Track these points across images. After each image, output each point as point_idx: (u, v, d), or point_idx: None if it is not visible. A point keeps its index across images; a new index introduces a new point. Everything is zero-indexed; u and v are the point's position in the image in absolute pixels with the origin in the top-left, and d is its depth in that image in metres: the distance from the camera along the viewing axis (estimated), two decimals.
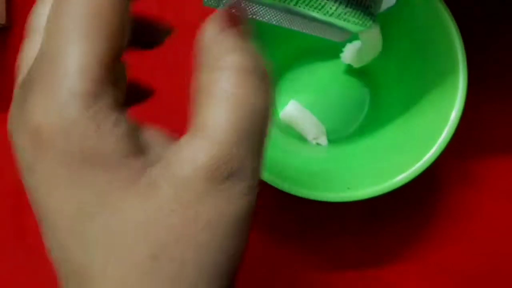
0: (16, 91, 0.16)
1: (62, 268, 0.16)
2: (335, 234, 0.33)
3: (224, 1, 0.17)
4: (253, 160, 0.15)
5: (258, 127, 0.15)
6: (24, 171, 0.16)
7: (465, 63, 0.26)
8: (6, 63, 0.34)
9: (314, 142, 0.32)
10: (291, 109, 0.32)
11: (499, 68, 0.33)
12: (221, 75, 0.15)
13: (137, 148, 0.15)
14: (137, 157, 0.15)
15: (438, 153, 0.26)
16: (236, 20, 0.16)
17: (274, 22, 0.19)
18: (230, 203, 0.15)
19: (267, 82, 0.15)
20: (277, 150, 0.30)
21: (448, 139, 0.26)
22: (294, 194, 0.25)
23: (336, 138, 0.32)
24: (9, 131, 0.16)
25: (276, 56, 0.32)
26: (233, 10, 0.16)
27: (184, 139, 0.15)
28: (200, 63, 0.16)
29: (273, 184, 0.25)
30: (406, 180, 0.25)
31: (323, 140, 0.32)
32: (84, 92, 0.14)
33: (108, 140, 0.14)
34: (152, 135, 0.16)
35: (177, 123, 0.36)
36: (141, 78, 0.31)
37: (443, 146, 0.26)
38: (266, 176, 0.25)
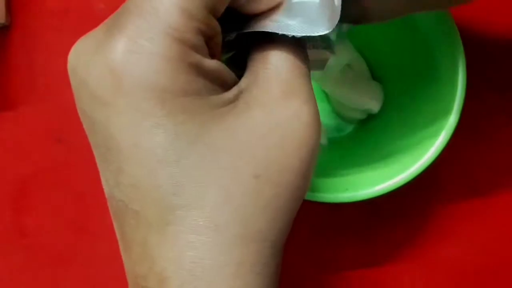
0: (107, 21, 0.16)
1: (139, 205, 0.16)
2: (335, 234, 0.33)
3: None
4: (312, 93, 0.18)
5: (309, 74, 0.18)
6: (95, 104, 0.15)
7: (464, 61, 0.26)
8: (6, 63, 0.34)
9: None
10: None
11: (499, 68, 0.33)
12: (280, 43, 0.17)
13: (228, 86, 0.17)
14: (227, 92, 0.16)
15: (437, 153, 0.26)
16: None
17: None
18: (309, 125, 0.17)
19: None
20: None
21: (447, 139, 0.26)
22: None
23: (335, 137, 0.32)
24: (75, 60, 0.16)
25: None
26: None
27: (255, 71, 0.17)
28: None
29: None
30: (406, 181, 0.25)
31: (323, 140, 0.32)
32: (182, 32, 0.15)
33: (205, 81, 0.16)
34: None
35: None
36: None
37: (442, 146, 0.26)
38: None
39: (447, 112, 0.26)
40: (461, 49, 0.26)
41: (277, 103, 0.16)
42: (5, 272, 0.32)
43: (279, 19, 0.17)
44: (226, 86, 0.17)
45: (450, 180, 0.33)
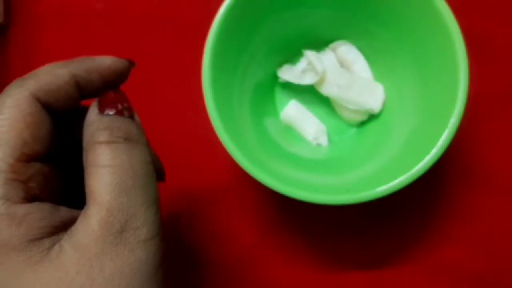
0: None
1: None
2: (335, 234, 0.33)
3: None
4: (145, 211, 0.17)
5: (140, 181, 0.18)
6: None
7: (466, 62, 0.26)
8: (4, 62, 0.34)
9: (314, 142, 0.32)
10: (291, 109, 0.32)
11: (501, 68, 0.33)
12: (97, 150, 0.18)
13: (51, 227, 0.17)
14: (50, 236, 0.17)
15: (439, 154, 0.25)
16: (113, 102, 0.19)
17: None
18: (131, 252, 0.17)
19: (139, 143, 0.18)
20: (277, 151, 0.30)
21: (449, 140, 0.25)
22: (293, 197, 0.25)
23: (336, 138, 0.32)
24: None
25: (276, 56, 0.32)
26: (111, 95, 0.19)
27: (84, 208, 0.17)
28: (83, 143, 0.18)
29: (272, 187, 0.25)
30: (407, 182, 0.25)
31: (324, 140, 0.32)
32: None
33: (18, 231, 0.16)
34: (66, 211, 0.18)
35: (178, 121, 0.36)
36: (142, 78, 0.31)
37: (444, 147, 0.25)
38: (266, 179, 0.25)
39: (448, 113, 0.25)
40: (463, 48, 0.25)
41: (92, 239, 0.17)
42: None
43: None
44: (55, 224, 0.17)
45: (451, 181, 0.33)
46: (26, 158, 0.17)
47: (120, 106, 0.19)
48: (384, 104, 0.31)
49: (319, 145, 0.32)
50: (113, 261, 0.16)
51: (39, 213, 0.17)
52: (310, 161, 0.30)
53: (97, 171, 0.17)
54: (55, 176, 0.19)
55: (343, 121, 0.32)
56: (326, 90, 0.31)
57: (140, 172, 0.18)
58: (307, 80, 0.31)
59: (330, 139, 0.32)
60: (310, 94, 0.32)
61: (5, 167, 0.17)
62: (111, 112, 0.18)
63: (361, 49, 0.32)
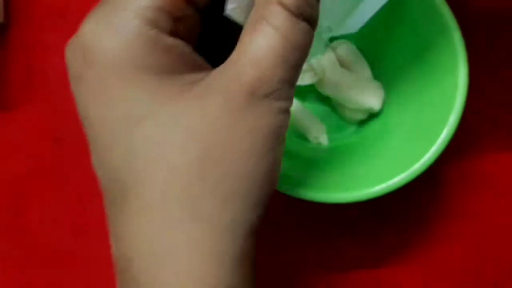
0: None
1: (105, 182, 0.17)
2: (335, 234, 0.33)
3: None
4: (289, 86, 0.17)
5: (296, 60, 0.17)
6: (73, 81, 0.17)
7: (466, 61, 0.26)
8: (4, 62, 0.34)
9: (314, 141, 0.32)
10: (291, 108, 0.32)
11: (501, 66, 0.33)
12: (271, 12, 0.16)
13: (192, 67, 0.17)
14: (190, 73, 0.16)
15: (438, 153, 0.25)
16: None
17: None
18: (268, 116, 0.16)
19: (311, 24, 0.17)
20: None
21: (448, 138, 0.26)
22: (293, 195, 0.25)
23: (336, 137, 0.32)
24: (66, 51, 0.17)
25: None
26: None
27: (231, 60, 0.16)
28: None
29: None
30: (407, 180, 0.25)
31: (324, 139, 0.32)
32: (147, 14, 0.16)
33: (164, 57, 0.16)
34: (206, 64, 0.18)
35: None
36: None
37: (443, 145, 0.26)
38: None
39: (448, 111, 0.25)
40: (463, 48, 0.25)
41: (240, 92, 0.16)
42: (5, 272, 0.32)
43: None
44: (195, 68, 0.17)
45: (450, 180, 0.33)
46: None
47: None
48: (384, 103, 0.31)
49: (319, 143, 0.32)
50: (257, 118, 0.16)
51: (185, 49, 0.17)
52: (310, 159, 0.30)
53: (267, 29, 0.16)
54: (203, 33, 0.18)
55: (343, 120, 0.32)
56: (326, 89, 0.31)
57: (303, 50, 0.17)
58: (306, 80, 0.31)
59: (329, 138, 0.32)
60: (310, 93, 0.32)
61: None
62: None
63: (360, 48, 0.32)
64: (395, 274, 0.32)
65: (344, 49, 0.32)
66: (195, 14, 0.17)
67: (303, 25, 0.16)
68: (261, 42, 0.16)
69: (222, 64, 0.17)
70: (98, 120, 0.16)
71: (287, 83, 0.17)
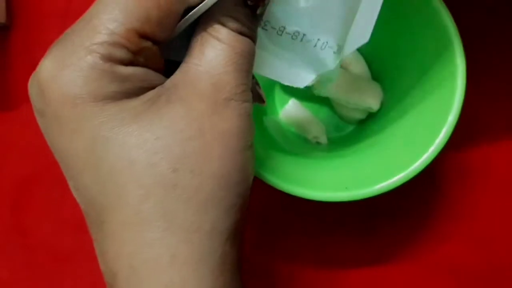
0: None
1: (83, 205, 0.17)
2: (335, 233, 0.33)
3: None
4: (245, 89, 0.18)
5: (245, 65, 0.18)
6: (36, 115, 0.17)
7: (464, 61, 0.26)
8: (6, 62, 0.34)
9: (314, 141, 0.32)
10: (291, 108, 0.32)
11: (499, 66, 0.33)
12: (214, 28, 0.17)
13: (157, 84, 0.17)
14: (151, 89, 0.17)
15: (437, 152, 0.26)
16: None
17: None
18: (236, 119, 0.17)
19: (251, 39, 0.18)
20: (276, 149, 0.30)
21: (447, 137, 0.26)
22: (293, 194, 0.25)
23: (335, 137, 0.32)
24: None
25: None
26: None
27: (183, 71, 0.17)
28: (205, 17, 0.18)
29: (272, 184, 0.25)
30: (405, 179, 0.25)
31: (323, 139, 0.32)
32: (101, 50, 0.16)
33: (125, 84, 0.16)
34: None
35: None
36: None
37: (442, 144, 0.26)
38: (265, 176, 0.25)
39: (446, 110, 0.26)
40: (461, 48, 0.26)
41: (201, 99, 0.17)
42: (5, 272, 0.32)
43: None
44: (153, 87, 0.17)
45: (450, 179, 0.33)
46: (143, 35, 0.17)
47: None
48: (382, 103, 0.31)
49: (318, 143, 0.32)
50: (224, 121, 0.17)
51: (148, 75, 0.17)
52: (309, 159, 0.30)
53: (212, 41, 0.17)
54: (162, 62, 0.19)
55: (342, 120, 0.33)
56: (325, 89, 0.31)
57: (251, 57, 0.18)
58: None
59: (329, 137, 0.32)
60: (310, 93, 0.32)
61: (120, 31, 0.16)
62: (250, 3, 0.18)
63: (359, 48, 0.32)
64: (395, 274, 0.32)
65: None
66: (154, 46, 0.17)
67: (244, 37, 0.18)
68: (210, 52, 0.17)
69: (174, 75, 0.18)
70: (65, 152, 0.17)
71: (243, 85, 0.17)
